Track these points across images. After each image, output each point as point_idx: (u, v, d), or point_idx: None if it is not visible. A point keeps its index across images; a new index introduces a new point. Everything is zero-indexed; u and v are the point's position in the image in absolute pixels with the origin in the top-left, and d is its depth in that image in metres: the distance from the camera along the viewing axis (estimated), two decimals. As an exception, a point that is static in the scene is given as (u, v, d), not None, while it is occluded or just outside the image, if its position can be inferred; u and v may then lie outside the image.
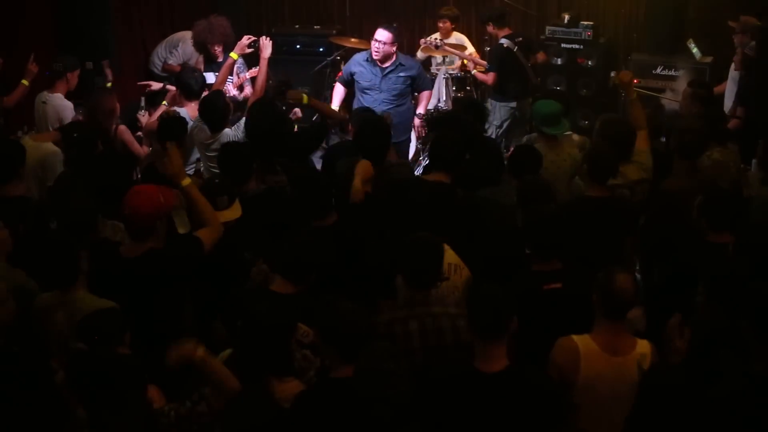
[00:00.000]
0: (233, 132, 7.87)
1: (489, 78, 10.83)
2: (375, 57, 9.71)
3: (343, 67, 10.58)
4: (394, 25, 10.33)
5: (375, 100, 9.68)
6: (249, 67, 10.29)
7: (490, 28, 11.08)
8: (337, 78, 10.61)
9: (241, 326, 4.76)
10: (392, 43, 9.70)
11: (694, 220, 5.91)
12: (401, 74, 9.80)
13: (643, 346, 4.87)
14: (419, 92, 10.19)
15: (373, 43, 9.79)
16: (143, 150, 8.59)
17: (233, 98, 9.93)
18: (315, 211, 6.11)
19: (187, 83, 8.91)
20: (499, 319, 4.49)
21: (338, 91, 10.16)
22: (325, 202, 6.15)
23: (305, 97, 8.41)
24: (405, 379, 4.23)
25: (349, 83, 10.04)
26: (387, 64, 9.76)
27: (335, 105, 9.97)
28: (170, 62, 11.50)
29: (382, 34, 9.71)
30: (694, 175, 6.90)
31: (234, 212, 6.16)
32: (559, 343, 4.86)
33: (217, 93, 8.43)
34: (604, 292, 4.81)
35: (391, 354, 4.30)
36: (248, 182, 6.77)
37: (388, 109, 9.53)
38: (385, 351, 4.33)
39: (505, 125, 10.78)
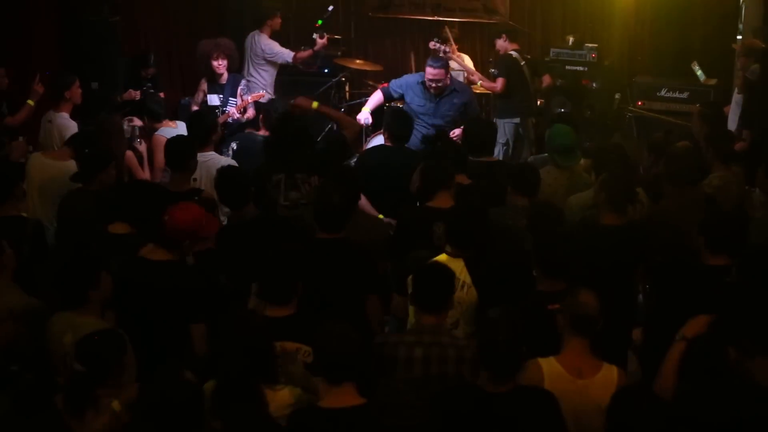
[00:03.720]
0: (223, 162, 7.80)
1: (498, 85, 10.81)
2: (434, 93, 9.46)
3: (389, 83, 10.09)
4: (442, 53, 10.17)
5: (426, 126, 9.39)
6: (252, 91, 10.33)
7: (501, 41, 11.11)
8: (380, 87, 10.22)
9: (226, 335, 4.79)
10: (445, 77, 9.45)
11: (694, 240, 5.89)
12: (455, 100, 9.53)
13: (609, 369, 4.82)
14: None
15: (428, 81, 9.47)
16: (146, 175, 8.59)
17: (238, 120, 9.97)
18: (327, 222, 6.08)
19: (151, 109, 9.11)
20: (510, 359, 4.52)
21: (376, 97, 9.87)
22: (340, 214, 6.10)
23: (315, 104, 8.35)
24: (424, 411, 4.22)
25: (390, 98, 9.85)
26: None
27: (368, 107, 9.75)
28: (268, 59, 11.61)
29: (434, 73, 9.41)
30: (685, 197, 6.85)
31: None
32: (525, 366, 4.78)
33: (210, 110, 8.50)
34: (569, 308, 4.81)
35: (412, 385, 4.30)
36: (246, 207, 6.72)
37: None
38: (405, 382, 4.33)
39: (511, 143, 10.77)
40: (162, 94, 11.09)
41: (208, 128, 8.00)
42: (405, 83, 9.78)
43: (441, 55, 11.24)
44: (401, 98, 9.79)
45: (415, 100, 9.57)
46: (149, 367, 5.02)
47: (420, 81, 9.59)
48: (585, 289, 4.88)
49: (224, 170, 7.01)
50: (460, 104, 9.57)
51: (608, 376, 4.78)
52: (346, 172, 6.98)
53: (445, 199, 6.72)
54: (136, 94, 10.71)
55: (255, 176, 7.26)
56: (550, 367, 4.76)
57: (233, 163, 7.94)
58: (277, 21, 11.78)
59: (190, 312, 5.53)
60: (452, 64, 11.52)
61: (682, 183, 6.96)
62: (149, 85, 10.91)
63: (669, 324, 5.31)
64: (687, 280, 5.65)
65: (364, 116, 9.69)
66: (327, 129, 8.59)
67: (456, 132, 9.32)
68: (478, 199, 6.72)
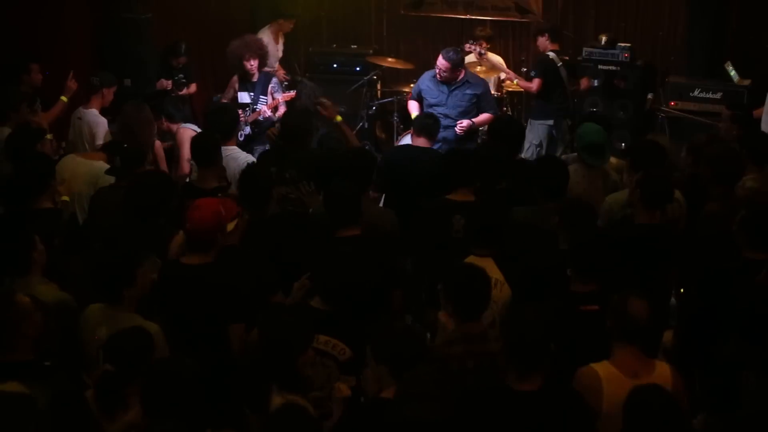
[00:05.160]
0: (243, 158, 7.91)
1: (534, 84, 10.81)
2: (440, 80, 9.70)
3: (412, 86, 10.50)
4: (459, 48, 10.26)
5: (440, 117, 9.44)
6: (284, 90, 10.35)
7: (543, 39, 11.10)
8: (408, 99, 10.53)
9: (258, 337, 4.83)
10: (453, 71, 9.60)
11: (734, 235, 5.88)
12: (467, 91, 9.69)
13: (662, 367, 4.83)
14: (482, 112, 9.84)
15: (437, 69, 9.70)
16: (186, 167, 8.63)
17: (268, 119, 9.99)
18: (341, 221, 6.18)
19: (168, 111, 9.14)
20: (537, 353, 4.50)
21: (414, 106, 10.05)
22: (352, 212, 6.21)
23: (339, 117, 8.43)
24: (448, 405, 4.22)
25: (420, 99, 10.01)
26: (452, 82, 9.72)
27: (415, 112, 9.91)
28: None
29: (440, 63, 9.62)
30: (731, 200, 6.83)
31: (229, 227, 6.16)
32: (579, 373, 4.81)
33: (230, 105, 8.96)
34: (619, 317, 4.79)
35: (436, 379, 4.30)
36: (266, 207, 6.73)
37: (452, 126, 9.49)
38: (430, 375, 4.33)
39: (544, 145, 10.74)
40: (194, 86, 11.19)
41: (230, 123, 8.06)
42: (420, 81, 10.07)
43: (475, 56, 11.24)
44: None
45: (429, 93, 9.80)
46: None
47: (433, 75, 9.80)
48: (634, 297, 4.84)
49: (247, 170, 7.04)
50: (472, 95, 9.74)
51: (663, 374, 4.78)
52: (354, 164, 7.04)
53: (465, 193, 6.76)
54: (168, 84, 10.82)
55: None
56: (606, 370, 4.75)
57: (252, 159, 8.04)
58: (288, 25, 11.84)
59: (228, 312, 5.54)
60: (485, 63, 11.51)
61: (729, 182, 6.91)
62: (181, 76, 10.98)
63: (702, 327, 5.30)
64: (725, 273, 5.66)
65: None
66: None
67: (464, 123, 9.58)
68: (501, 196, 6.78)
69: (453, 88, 9.69)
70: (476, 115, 9.77)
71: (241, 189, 6.77)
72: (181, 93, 10.87)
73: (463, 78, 9.75)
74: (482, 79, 10.47)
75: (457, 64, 9.65)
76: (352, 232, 6.16)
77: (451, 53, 9.70)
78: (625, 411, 4.25)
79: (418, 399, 4.18)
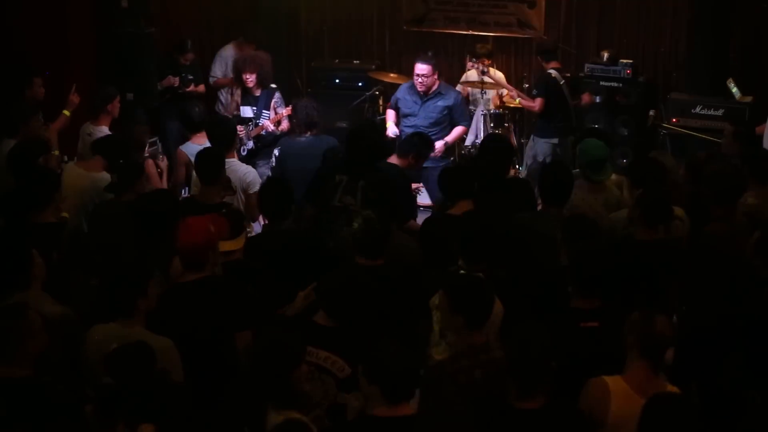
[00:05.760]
0: (243, 169, 7.94)
1: (536, 104, 10.83)
2: (420, 90, 9.96)
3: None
4: (429, 53, 10.54)
5: (412, 126, 9.89)
6: (287, 104, 10.35)
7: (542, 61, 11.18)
8: (388, 105, 10.84)
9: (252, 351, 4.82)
10: (432, 74, 9.94)
11: (750, 258, 5.87)
12: (439, 103, 10.00)
13: (672, 390, 4.78)
14: (455, 124, 10.15)
15: (415, 77, 10.00)
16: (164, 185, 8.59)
17: (272, 133, 10.00)
18: (364, 249, 6.08)
19: (190, 115, 9.08)
20: (539, 371, 4.52)
21: (390, 115, 10.47)
22: (378, 242, 6.09)
23: None
24: (470, 422, 4.22)
25: (396, 108, 10.37)
26: (427, 92, 10.00)
27: (390, 121, 10.34)
28: (216, 74, 11.74)
29: (421, 68, 9.94)
30: (732, 218, 6.83)
31: (236, 243, 6.16)
32: (589, 383, 4.80)
33: (227, 117, 9.17)
34: (642, 335, 4.76)
35: (459, 396, 4.30)
36: (284, 221, 6.71)
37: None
38: (453, 393, 4.33)
39: (547, 162, 10.73)
40: (202, 87, 11.26)
41: (229, 135, 8.08)
42: (398, 90, 10.50)
43: (478, 73, 11.29)
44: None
45: (404, 102, 10.22)
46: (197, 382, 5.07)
47: (411, 85, 10.18)
48: (659, 316, 4.83)
49: (268, 182, 7.04)
50: (444, 107, 10.08)
51: None
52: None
53: (464, 206, 6.78)
54: (175, 81, 10.95)
55: (317, 176, 7.44)
56: (616, 385, 4.74)
57: (252, 170, 8.08)
58: (248, 48, 11.77)
59: (233, 322, 5.51)
60: (487, 80, 11.54)
61: (728, 201, 6.91)
62: (190, 77, 11.07)
63: (703, 345, 5.29)
64: (744, 295, 5.69)
65: (393, 130, 10.28)
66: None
67: (439, 145, 9.79)
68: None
69: (426, 99, 10.00)
70: (449, 126, 10.04)
71: (263, 203, 6.82)
72: (188, 90, 10.94)
73: (436, 89, 10.06)
74: (456, 91, 10.73)
75: (435, 66, 10.01)
76: (373, 263, 6.05)
77: (426, 59, 10.12)
78: (641, 421, 4.24)
79: (440, 417, 4.19)
